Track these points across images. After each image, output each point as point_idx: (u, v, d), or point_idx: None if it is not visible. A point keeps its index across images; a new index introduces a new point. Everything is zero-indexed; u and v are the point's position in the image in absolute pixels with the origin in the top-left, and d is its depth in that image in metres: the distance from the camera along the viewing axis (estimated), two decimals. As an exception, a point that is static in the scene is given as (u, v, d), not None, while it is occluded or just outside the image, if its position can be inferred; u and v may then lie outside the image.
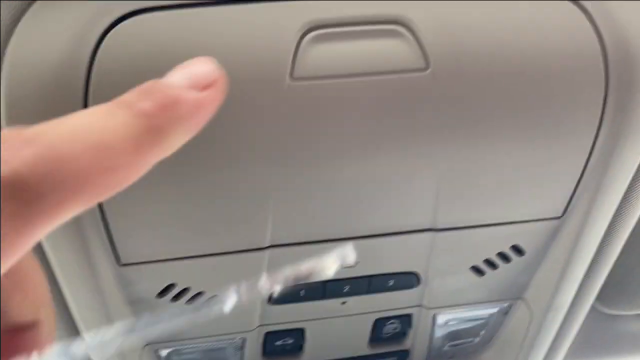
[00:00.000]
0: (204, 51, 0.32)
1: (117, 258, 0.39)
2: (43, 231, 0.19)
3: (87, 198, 0.20)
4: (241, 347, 0.52)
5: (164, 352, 0.51)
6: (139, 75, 0.32)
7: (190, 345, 0.51)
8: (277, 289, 0.22)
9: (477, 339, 0.59)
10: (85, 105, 0.32)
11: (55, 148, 0.19)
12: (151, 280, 0.42)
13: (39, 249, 0.38)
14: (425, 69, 0.34)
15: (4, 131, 0.19)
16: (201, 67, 0.24)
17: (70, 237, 0.37)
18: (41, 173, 0.18)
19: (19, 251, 0.18)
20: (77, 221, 0.36)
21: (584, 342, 0.63)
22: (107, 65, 0.31)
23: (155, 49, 0.32)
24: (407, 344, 0.57)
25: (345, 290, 0.47)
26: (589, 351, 0.66)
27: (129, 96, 0.22)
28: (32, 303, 0.22)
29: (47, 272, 0.40)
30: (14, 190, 0.18)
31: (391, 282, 0.47)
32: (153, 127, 0.21)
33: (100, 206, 0.36)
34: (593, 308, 0.61)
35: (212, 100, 0.24)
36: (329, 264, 0.21)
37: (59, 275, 0.40)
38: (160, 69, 0.32)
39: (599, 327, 0.64)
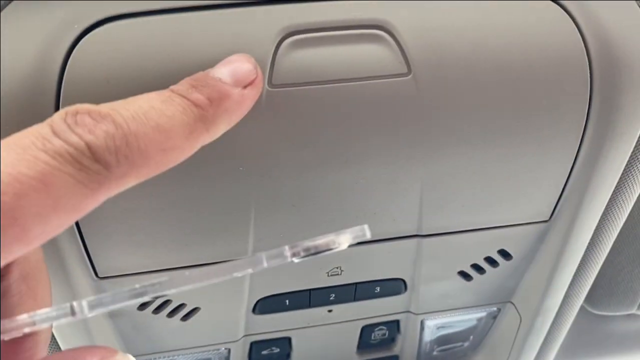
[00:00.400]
0: (178, 59, 0.31)
1: (94, 271, 0.38)
2: (103, 199, 0.21)
3: (144, 172, 0.22)
4: (226, 358, 0.51)
5: (147, 364, 0.50)
6: (113, 81, 0.31)
7: (175, 357, 0.49)
8: (297, 258, 0.25)
9: (466, 343, 0.58)
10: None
11: (126, 126, 0.21)
12: (131, 293, 0.40)
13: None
14: (407, 74, 0.33)
15: (77, 107, 0.21)
16: (244, 65, 0.27)
17: (45, 250, 0.36)
18: (112, 147, 0.21)
19: (80, 214, 0.21)
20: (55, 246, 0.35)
21: (573, 342, 0.63)
22: (80, 71, 0.30)
23: (129, 56, 0.31)
24: (396, 349, 0.57)
25: (331, 299, 0.46)
26: (579, 352, 0.65)
27: (182, 86, 0.24)
28: (39, 309, 0.23)
29: None
30: (86, 159, 0.20)
31: (378, 289, 0.46)
32: (204, 117, 0.24)
33: (77, 224, 0.35)
34: (582, 309, 0.61)
35: (253, 97, 0.26)
36: (345, 240, 0.26)
37: None
38: (134, 76, 0.31)
39: (588, 328, 0.64)
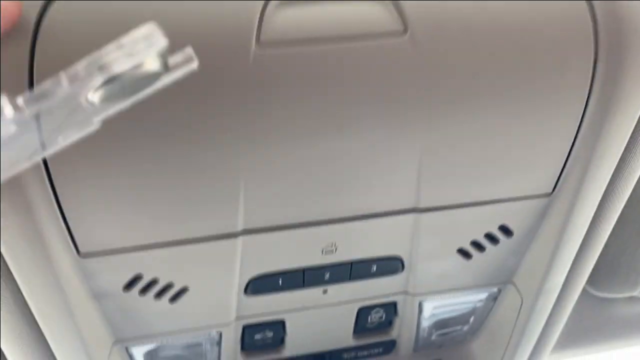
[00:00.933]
0: (159, 15, 0.29)
1: (76, 248, 0.36)
2: None
3: None
4: (218, 343, 0.49)
5: (136, 351, 0.48)
6: (90, 39, 0.29)
7: (164, 342, 0.48)
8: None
9: (465, 327, 0.56)
10: (31, 77, 0.29)
11: None
12: (115, 272, 0.39)
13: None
14: (404, 32, 0.31)
15: None
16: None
17: (23, 227, 0.34)
18: None
19: None
20: (30, 209, 0.33)
21: (574, 326, 0.62)
22: (55, 29, 0.28)
23: (105, 12, 0.29)
24: (393, 333, 0.55)
25: (326, 278, 0.44)
26: (581, 335, 0.64)
27: None
28: None
29: (1, 267, 0.37)
30: None
31: (374, 268, 0.44)
32: None
33: (54, 192, 0.33)
34: (583, 292, 0.59)
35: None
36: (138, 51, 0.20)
37: (14, 271, 0.36)
38: (112, 33, 0.29)
39: (591, 311, 0.62)
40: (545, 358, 0.60)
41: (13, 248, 0.35)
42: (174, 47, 0.29)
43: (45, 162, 0.31)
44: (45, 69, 0.28)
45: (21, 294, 0.38)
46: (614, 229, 0.48)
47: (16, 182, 0.32)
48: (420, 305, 0.51)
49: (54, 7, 0.28)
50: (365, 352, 0.56)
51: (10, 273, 0.37)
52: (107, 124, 0.31)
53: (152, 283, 0.40)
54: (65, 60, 0.29)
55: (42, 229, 0.34)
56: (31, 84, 0.29)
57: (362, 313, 0.51)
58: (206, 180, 0.34)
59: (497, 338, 0.57)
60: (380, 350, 0.56)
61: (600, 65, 0.35)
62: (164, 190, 0.34)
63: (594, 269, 0.52)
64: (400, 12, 0.31)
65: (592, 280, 0.58)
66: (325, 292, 0.47)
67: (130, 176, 0.33)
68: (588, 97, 0.36)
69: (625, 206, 0.47)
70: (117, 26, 0.28)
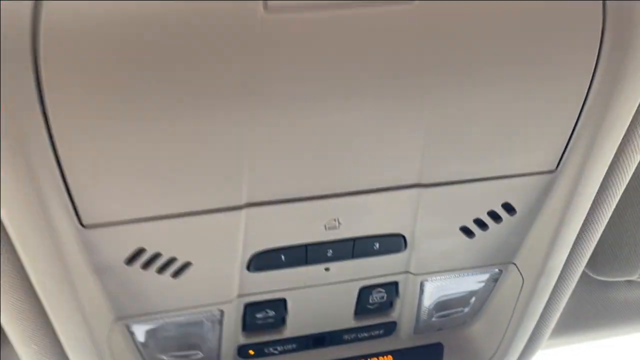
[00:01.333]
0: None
1: (79, 219, 0.36)
2: None
3: None
4: (220, 322, 0.49)
5: (137, 328, 0.48)
6: (95, 3, 0.28)
7: (165, 320, 0.47)
8: None
9: (466, 309, 0.57)
10: (35, 42, 0.28)
11: None
12: (118, 244, 0.38)
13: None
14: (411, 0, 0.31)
15: None
16: None
17: (26, 197, 0.34)
18: None
19: None
20: (30, 174, 0.32)
21: (573, 310, 0.62)
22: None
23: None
24: (394, 315, 0.55)
25: (328, 255, 0.44)
26: (579, 319, 0.64)
27: None
28: None
29: (2, 238, 0.36)
30: None
31: (377, 246, 0.44)
32: None
33: (58, 161, 0.33)
34: (583, 275, 0.59)
35: None
36: None
37: (16, 242, 0.36)
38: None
39: (590, 295, 0.62)
40: (543, 342, 0.60)
41: (15, 219, 0.35)
42: (184, 14, 0.29)
43: (49, 130, 0.31)
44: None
45: (22, 267, 0.38)
46: (614, 212, 0.48)
47: (20, 152, 0.31)
48: (421, 286, 0.51)
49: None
50: (365, 334, 0.56)
51: (12, 245, 0.37)
52: (113, 88, 0.31)
53: (155, 257, 0.40)
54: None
55: (45, 199, 0.34)
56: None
57: (364, 293, 0.51)
58: (211, 152, 0.34)
59: (497, 321, 0.57)
60: (381, 331, 0.56)
61: (607, 37, 0.35)
62: (169, 161, 0.34)
63: (593, 252, 0.52)
64: None
65: (592, 263, 0.58)
66: (327, 269, 0.46)
67: (134, 146, 0.33)
68: (594, 74, 0.36)
69: (625, 190, 0.47)
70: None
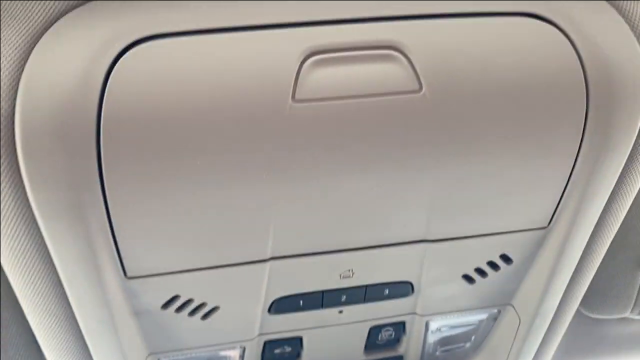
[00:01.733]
0: (211, 75, 0.34)
1: (124, 271, 0.41)
2: None
3: None
4: (241, 357, 0.54)
5: (165, 362, 0.53)
6: (149, 98, 0.33)
7: (192, 355, 0.52)
8: None
9: (468, 344, 0.61)
10: (98, 129, 0.33)
11: None
12: (156, 292, 0.43)
13: (47, 261, 0.39)
14: (419, 90, 0.36)
15: None
16: None
17: (79, 250, 0.39)
18: None
19: None
20: (86, 235, 0.37)
21: (569, 345, 0.66)
22: (119, 89, 0.33)
23: (163, 73, 0.33)
24: (401, 350, 0.59)
25: (342, 300, 0.49)
26: (574, 354, 0.68)
27: None
28: None
29: (54, 283, 0.41)
30: None
31: (387, 291, 0.49)
32: None
33: (109, 221, 0.38)
34: (578, 312, 0.63)
35: None
36: None
37: (66, 288, 0.41)
38: (168, 92, 0.34)
39: (584, 331, 0.66)
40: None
41: (68, 270, 0.40)
42: (222, 100, 0.34)
43: (105, 199, 0.36)
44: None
45: (71, 310, 0.43)
46: (606, 255, 0.53)
47: (77, 213, 0.36)
48: (426, 324, 0.56)
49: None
50: (374, 367, 0.60)
51: (64, 293, 0.41)
52: (161, 167, 0.36)
53: (188, 302, 0.45)
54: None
55: (96, 253, 0.39)
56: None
57: (373, 332, 0.55)
58: (242, 216, 0.39)
59: (496, 354, 0.61)
60: (389, 365, 0.61)
61: (591, 115, 0.40)
62: (206, 223, 0.39)
63: (587, 292, 0.57)
64: (416, 74, 0.36)
65: (586, 302, 0.62)
66: (340, 312, 0.51)
67: (176, 210, 0.38)
68: (580, 143, 0.41)
69: (616, 234, 0.51)
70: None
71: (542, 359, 0.61)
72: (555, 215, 0.46)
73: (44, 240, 0.38)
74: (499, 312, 0.57)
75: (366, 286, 0.48)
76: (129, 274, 0.41)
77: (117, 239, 0.39)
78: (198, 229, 0.39)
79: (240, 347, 0.52)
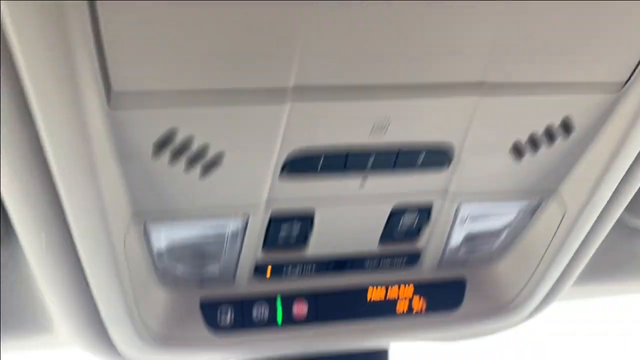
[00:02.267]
0: None
1: (108, 95, 0.32)
2: None
3: None
4: (243, 229, 0.46)
5: (154, 230, 0.45)
6: None
7: (185, 222, 0.44)
8: None
9: (496, 243, 0.54)
10: None
11: None
12: (148, 123, 0.35)
13: (11, 77, 0.30)
14: None
15: None
16: None
17: (52, 57, 0.30)
18: None
19: None
20: (66, 45, 0.29)
21: (601, 257, 0.60)
22: None
23: None
24: (421, 243, 0.52)
25: (369, 164, 0.41)
26: (606, 268, 0.62)
27: None
28: None
29: (17, 105, 0.32)
30: None
31: (421, 158, 0.41)
32: None
33: (92, 12, 0.29)
34: (618, 220, 0.57)
35: None
36: None
37: (38, 115, 0.32)
38: None
39: (618, 242, 0.60)
40: (567, 287, 0.58)
41: (39, 85, 0.31)
42: None
43: None
44: None
45: (40, 145, 0.34)
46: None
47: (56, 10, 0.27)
48: (456, 212, 0.49)
49: None
50: (388, 262, 0.53)
51: (30, 119, 0.33)
52: None
53: (186, 144, 0.36)
54: None
55: (76, 67, 0.30)
56: None
57: (394, 216, 0.48)
58: (264, 25, 0.30)
59: (526, 259, 0.54)
60: (404, 261, 0.54)
61: None
62: (216, 31, 0.30)
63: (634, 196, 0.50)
64: None
65: (631, 207, 0.55)
66: (362, 186, 0.43)
67: (179, 12, 0.29)
68: None
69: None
70: None
71: (577, 264, 0.54)
72: (632, 76, 0.38)
73: (8, 47, 0.29)
74: (539, 204, 0.50)
75: (399, 148, 0.40)
76: (115, 88, 0.32)
77: (103, 38, 0.30)
78: (207, 27, 0.30)
79: (244, 215, 0.44)
